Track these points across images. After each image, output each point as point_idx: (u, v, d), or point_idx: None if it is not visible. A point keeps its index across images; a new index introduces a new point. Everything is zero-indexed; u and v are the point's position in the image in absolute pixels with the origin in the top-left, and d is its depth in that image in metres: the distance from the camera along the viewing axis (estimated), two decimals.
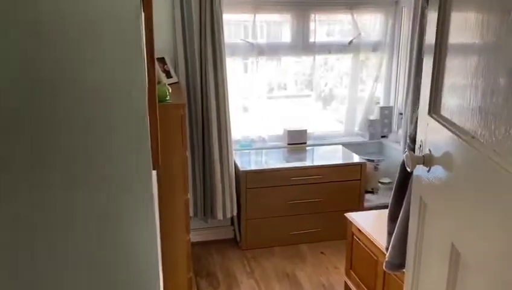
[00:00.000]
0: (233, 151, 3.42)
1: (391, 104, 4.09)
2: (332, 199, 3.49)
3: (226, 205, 3.32)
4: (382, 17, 3.93)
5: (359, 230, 2.74)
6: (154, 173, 1.39)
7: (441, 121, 1.18)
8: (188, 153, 3.16)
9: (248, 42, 3.62)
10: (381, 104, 4.11)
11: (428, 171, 1.23)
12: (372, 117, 4.03)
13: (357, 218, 2.81)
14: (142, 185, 1.17)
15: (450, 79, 1.17)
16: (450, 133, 1.10)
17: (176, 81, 3.07)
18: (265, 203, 3.37)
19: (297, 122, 4.00)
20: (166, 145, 2.28)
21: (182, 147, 2.36)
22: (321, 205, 3.47)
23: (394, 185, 1.76)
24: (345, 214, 2.88)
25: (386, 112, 4.04)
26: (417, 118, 1.45)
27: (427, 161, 1.23)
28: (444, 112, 1.19)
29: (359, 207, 3.55)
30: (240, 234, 3.47)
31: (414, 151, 1.40)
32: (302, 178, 3.38)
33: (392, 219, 1.77)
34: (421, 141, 1.33)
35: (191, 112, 3.21)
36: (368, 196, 3.75)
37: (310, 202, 3.44)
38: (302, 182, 3.39)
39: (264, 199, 3.36)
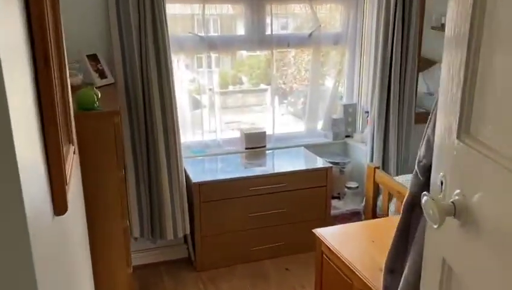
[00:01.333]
0: (184, 160, 2.95)
1: (354, 101, 3.74)
2: (297, 208, 3.10)
3: (177, 223, 2.85)
4: (343, 8, 3.57)
5: (329, 249, 2.35)
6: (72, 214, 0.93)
7: (481, 149, 0.78)
8: (130, 165, 2.67)
9: (198, 36, 3.16)
10: (344, 101, 3.75)
11: (462, 225, 0.83)
12: (335, 116, 3.67)
13: (326, 234, 2.42)
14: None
15: (498, 84, 0.77)
16: (500, 168, 0.71)
17: (112, 82, 2.56)
18: (222, 218, 2.94)
19: (255, 124, 3.59)
20: (95, 164, 1.80)
21: (117, 166, 1.88)
22: (284, 216, 3.08)
23: (395, 230, 1.35)
24: (312, 230, 2.49)
25: (350, 109, 3.69)
26: (427, 138, 1.04)
27: (460, 211, 0.83)
28: (486, 135, 0.79)
29: (325, 216, 3.19)
30: (194, 253, 3.01)
31: (426, 186, 0.99)
32: (263, 187, 2.97)
33: (391, 271, 1.37)
34: (443, 178, 0.92)
35: (132, 118, 2.71)
36: (334, 202, 3.39)
37: (272, 214, 3.04)
38: (263, 191, 2.98)
39: (221, 213, 2.93)
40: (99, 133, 1.80)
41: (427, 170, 1.03)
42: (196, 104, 3.35)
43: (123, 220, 1.99)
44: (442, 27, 3.38)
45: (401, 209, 1.29)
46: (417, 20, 3.21)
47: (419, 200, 0.91)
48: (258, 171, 3.08)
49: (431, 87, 3.66)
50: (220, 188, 2.90)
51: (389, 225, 2.48)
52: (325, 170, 3.13)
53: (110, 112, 1.90)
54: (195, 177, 2.90)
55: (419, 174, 1.16)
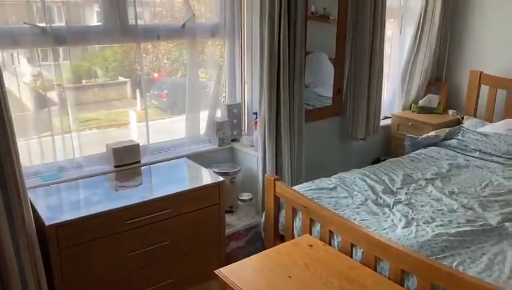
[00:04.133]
0: (31, 192, 2.14)
1: (238, 100, 3.26)
2: (186, 235, 2.51)
3: (28, 285, 2.04)
4: None
5: None
6: None
7: None
8: None
9: (39, 27, 2.34)
10: (227, 101, 3.25)
11: None
12: (219, 118, 3.14)
13: (232, 275, 1.90)
14: None
15: None
16: None
17: None
18: (92, 265, 2.20)
19: (125, 134, 2.88)
20: None
21: None
22: (172, 248, 2.46)
23: None
24: (215, 271, 1.94)
25: (235, 110, 3.19)
26: None
27: None
28: None
29: (220, 238, 2.65)
30: None
31: None
32: (142, 218, 2.31)
33: None
34: None
35: None
36: (227, 219, 2.87)
37: (157, 248, 2.40)
38: (144, 223, 2.32)
39: (90, 259, 2.19)
40: None
41: None
42: (42, 103, 2.53)
43: None
44: (312, 15, 3.07)
45: None
46: (303, 10, 2.83)
47: None
48: (134, 197, 2.39)
49: (307, 79, 3.32)
50: (86, 227, 2.16)
51: (302, 252, 2.05)
52: (216, 186, 2.58)
53: None
54: (50, 216, 2.11)
55: None
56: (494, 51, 3.51)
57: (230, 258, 2.81)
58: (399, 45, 3.88)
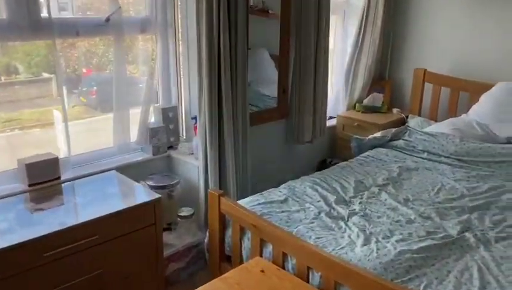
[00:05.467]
0: None
1: (174, 103, 2.93)
2: (118, 262, 2.16)
3: None
4: None
5: None
6: None
7: None
8: None
9: None
10: (161, 104, 2.90)
11: None
12: (153, 124, 2.79)
13: None
14: None
15: None
16: None
17: None
18: None
19: (40, 147, 2.46)
20: None
21: None
22: (103, 278, 2.10)
23: None
24: None
25: (170, 114, 2.85)
26: None
27: None
28: None
29: (158, 261, 2.33)
30: None
31: None
32: (65, 248, 1.93)
33: None
34: None
35: None
36: (165, 238, 2.55)
37: (85, 280, 2.03)
38: (67, 252, 1.95)
39: None
40: None
41: None
42: None
43: None
44: (251, 9, 2.80)
45: None
46: (244, 2, 2.55)
47: None
48: (53, 223, 2.00)
49: (248, 77, 3.05)
50: None
51: (253, 280, 1.75)
52: (152, 204, 2.25)
53: None
54: None
55: None
56: (439, 49, 3.45)
57: (170, 282, 2.50)
58: (342, 42, 3.73)
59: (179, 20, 2.75)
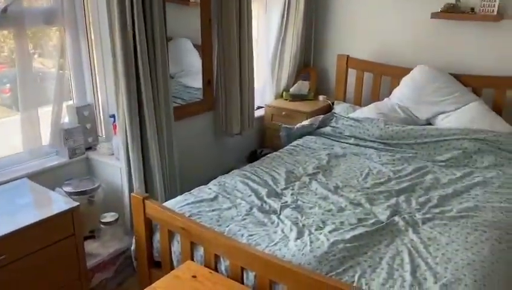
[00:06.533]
0: None
1: (90, 100, 2.68)
2: (36, 281, 1.94)
3: None
4: None
5: None
6: None
7: None
8: None
9: None
10: (75, 102, 2.65)
11: None
12: (66, 124, 2.54)
13: None
14: None
15: None
16: None
17: None
18: None
19: None
20: None
21: None
22: None
23: None
24: None
25: (86, 113, 2.61)
26: None
27: None
28: None
29: (80, 275, 2.13)
30: None
31: None
32: None
33: None
34: None
35: None
36: (88, 246, 2.34)
37: None
38: None
39: None
40: None
41: None
42: None
43: None
44: None
45: None
46: None
47: None
48: None
49: (171, 69, 2.89)
50: None
51: (185, 287, 1.66)
52: (69, 213, 2.04)
53: None
54: None
55: None
56: (361, 35, 3.48)
57: None
58: (265, 30, 3.64)
59: (89, 10, 2.51)
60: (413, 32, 3.25)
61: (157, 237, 2.03)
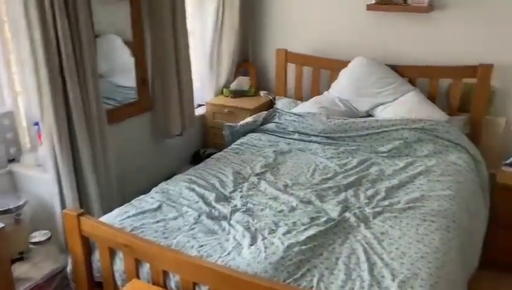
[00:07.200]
0: None
1: (9, 107, 2.39)
2: None
3: None
4: None
5: None
6: None
7: None
8: None
9: None
10: None
11: None
12: None
13: None
14: None
15: None
16: None
17: None
18: None
19: None
20: None
21: None
22: None
23: None
24: None
25: (6, 121, 2.33)
26: None
27: None
28: None
29: None
30: None
31: None
32: None
33: None
34: None
35: None
36: (18, 271, 2.08)
37: None
38: None
39: None
40: None
41: None
42: None
43: None
44: None
45: None
46: None
47: None
48: None
49: (99, 68, 2.65)
50: None
51: None
52: None
53: None
54: None
55: None
56: (299, 29, 3.42)
57: None
58: (201, 23, 3.49)
59: (3, 5, 2.22)
60: (350, 24, 3.25)
61: (96, 255, 1.84)
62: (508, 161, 2.73)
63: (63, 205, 2.15)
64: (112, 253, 1.78)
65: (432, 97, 3.00)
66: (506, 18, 2.79)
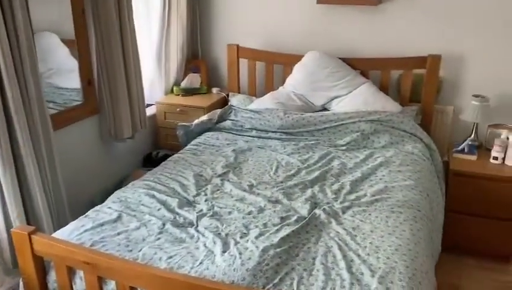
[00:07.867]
0: None
1: None
2: None
3: None
4: None
5: None
6: None
7: None
8: None
9: None
10: None
11: None
12: None
13: None
14: None
15: None
16: None
17: None
18: None
19: None
20: None
21: None
22: None
23: None
24: None
25: None
26: None
27: None
28: None
29: None
30: None
31: None
32: None
33: None
34: None
35: None
36: None
37: None
38: None
39: None
40: None
41: None
42: None
43: None
44: None
45: None
46: None
47: None
48: None
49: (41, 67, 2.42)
50: None
51: None
52: None
53: None
54: None
55: None
56: (251, 24, 3.34)
57: None
58: (146, 18, 3.30)
59: None
60: (301, 18, 3.22)
61: (52, 276, 1.66)
62: (459, 148, 2.83)
63: (7, 222, 1.92)
64: (71, 272, 1.61)
65: (384, 88, 3.05)
66: (452, 10, 2.89)
